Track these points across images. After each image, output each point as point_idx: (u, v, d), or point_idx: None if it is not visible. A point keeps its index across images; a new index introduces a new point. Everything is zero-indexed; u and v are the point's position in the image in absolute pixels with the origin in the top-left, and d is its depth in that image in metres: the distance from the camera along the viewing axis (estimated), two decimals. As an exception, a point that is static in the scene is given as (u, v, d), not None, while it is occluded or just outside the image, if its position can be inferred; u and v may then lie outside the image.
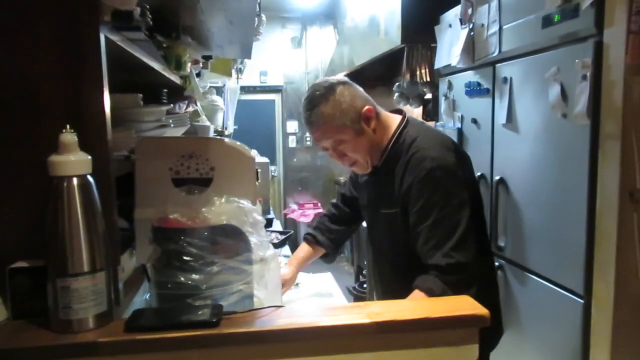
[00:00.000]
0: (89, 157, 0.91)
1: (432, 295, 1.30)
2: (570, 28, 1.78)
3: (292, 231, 3.26)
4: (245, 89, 5.88)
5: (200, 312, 0.97)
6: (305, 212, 6.24)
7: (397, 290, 1.42)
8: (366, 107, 1.48)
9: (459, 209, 1.37)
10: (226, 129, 3.61)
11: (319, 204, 6.46)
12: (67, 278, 0.89)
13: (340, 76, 1.57)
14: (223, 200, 1.09)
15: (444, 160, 1.39)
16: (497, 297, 1.66)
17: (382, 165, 1.52)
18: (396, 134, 1.50)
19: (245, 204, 1.11)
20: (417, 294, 1.33)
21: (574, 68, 1.75)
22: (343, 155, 1.54)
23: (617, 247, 1.62)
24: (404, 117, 1.56)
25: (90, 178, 0.91)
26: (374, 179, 1.58)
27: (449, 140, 1.50)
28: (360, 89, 1.54)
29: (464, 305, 1.06)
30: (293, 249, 3.05)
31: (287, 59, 6.47)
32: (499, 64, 2.30)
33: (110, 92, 1.01)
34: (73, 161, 0.88)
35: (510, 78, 2.19)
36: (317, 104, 1.47)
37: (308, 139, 6.54)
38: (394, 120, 1.55)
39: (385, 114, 1.56)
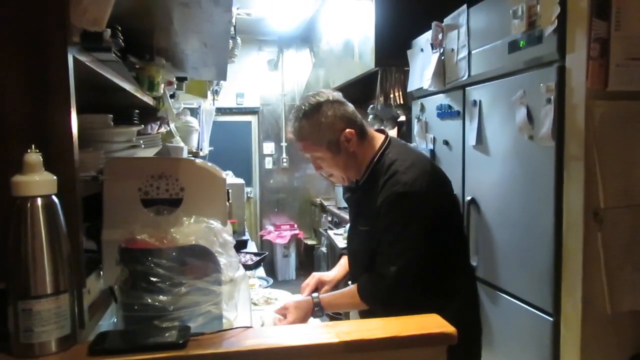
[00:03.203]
0: (54, 177, 0.90)
1: (363, 300, 1.51)
2: (535, 53, 1.85)
3: (267, 252, 3.24)
4: (221, 111, 5.89)
5: (167, 334, 0.95)
6: (282, 234, 6.21)
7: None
8: (347, 130, 1.53)
9: (416, 235, 1.45)
10: (201, 150, 3.60)
11: (296, 226, 6.44)
12: (29, 300, 0.87)
13: (337, 92, 1.62)
14: (192, 220, 1.09)
15: (414, 186, 1.44)
16: (479, 315, 1.70)
17: (363, 184, 1.59)
18: (377, 155, 1.56)
19: (215, 224, 1.11)
20: (351, 293, 1.55)
21: (539, 92, 1.81)
22: (320, 168, 1.63)
23: (583, 265, 1.66)
24: (386, 138, 1.61)
25: (55, 198, 0.90)
26: (355, 196, 1.66)
27: (428, 165, 1.55)
28: (349, 107, 1.58)
29: (432, 323, 1.07)
30: (268, 270, 3.04)
31: (263, 81, 6.51)
32: (468, 87, 2.36)
33: (80, 112, 1.01)
34: (37, 181, 0.87)
35: (480, 101, 2.25)
36: (300, 119, 1.55)
37: (284, 160, 6.56)
38: (378, 140, 1.60)
39: (371, 133, 1.62)
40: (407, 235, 1.45)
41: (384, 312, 1.46)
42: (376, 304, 1.51)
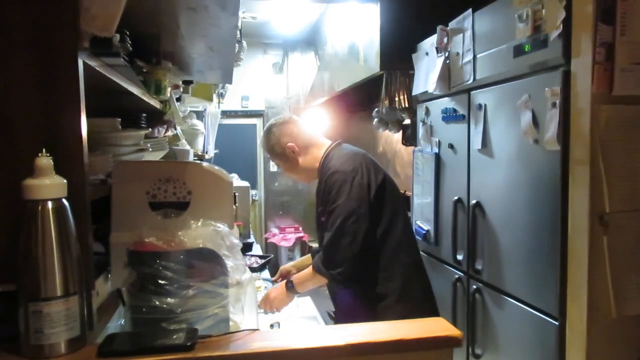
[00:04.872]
0: (64, 180, 0.91)
1: (312, 268, 1.86)
2: (540, 58, 1.85)
3: (272, 255, 3.25)
4: (226, 114, 5.91)
5: (174, 336, 0.96)
6: (287, 237, 6.22)
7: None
8: (289, 144, 2.03)
9: (345, 202, 1.78)
10: (207, 153, 3.61)
11: (300, 228, 6.45)
12: (39, 302, 0.88)
13: (291, 116, 2.18)
14: (199, 223, 1.10)
15: (341, 168, 1.86)
16: (427, 289, 2.05)
17: (318, 182, 2.01)
18: (323, 157, 2.02)
19: (222, 227, 1.12)
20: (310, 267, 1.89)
21: (544, 96, 1.81)
22: (285, 172, 2.17)
23: (589, 270, 1.65)
24: (332, 144, 2.06)
25: (65, 202, 0.91)
26: (316, 191, 2.04)
27: (358, 157, 1.94)
28: (296, 128, 2.08)
29: (438, 327, 1.08)
30: (273, 273, 3.05)
31: (268, 84, 6.53)
32: (473, 91, 2.36)
33: (89, 116, 1.02)
34: (48, 185, 0.88)
35: (485, 105, 2.25)
36: (262, 138, 2.14)
37: (289, 163, 6.56)
38: (325, 147, 2.05)
39: (320, 143, 2.08)
40: (337, 205, 1.79)
41: (330, 278, 1.81)
42: (319, 271, 1.81)
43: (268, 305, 2.01)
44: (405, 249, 1.93)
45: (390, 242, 1.88)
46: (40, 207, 0.88)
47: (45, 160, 0.89)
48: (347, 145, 2.08)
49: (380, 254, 1.86)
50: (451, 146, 2.60)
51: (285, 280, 1.99)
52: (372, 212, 1.81)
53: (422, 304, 1.97)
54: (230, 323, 1.10)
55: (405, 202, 2.06)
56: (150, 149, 1.58)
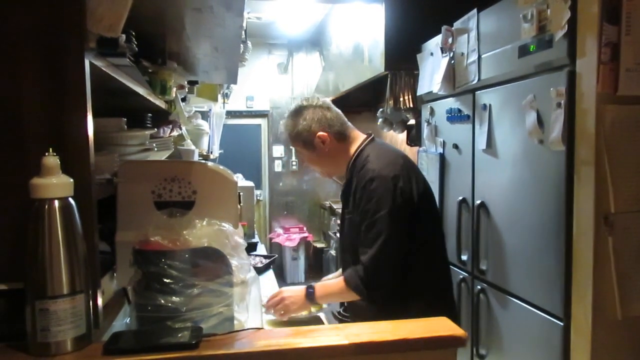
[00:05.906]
0: (71, 180, 0.92)
1: (347, 285, 1.63)
2: (545, 58, 1.85)
3: (276, 255, 3.26)
4: (231, 114, 5.92)
5: (179, 335, 0.97)
6: (291, 237, 6.23)
7: None
8: (320, 133, 1.76)
9: (387, 216, 1.58)
10: (211, 153, 3.62)
11: (305, 229, 6.45)
12: (46, 300, 0.89)
13: (325, 99, 1.86)
14: (204, 222, 1.11)
15: (381, 172, 1.62)
16: (454, 309, 1.83)
17: (347, 178, 1.80)
18: (356, 153, 1.78)
19: (227, 226, 1.13)
20: (340, 281, 1.67)
21: (549, 96, 1.81)
22: (303, 160, 1.90)
23: (594, 270, 1.65)
24: (366, 138, 1.81)
25: (71, 201, 0.92)
26: (344, 189, 1.84)
27: (399, 159, 1.71)
28: (331, 113, 1.80)
29: (442, 326, 1.08)
30: (277, 273, 3.06)
31: (273, 84, 6.54)
32: (478, 92, 2.36)
33: (95, 116, 1.03)
34: (55, 184, 0.89)
35: (490, 105, 2.25)
36: (286, 118, 1.85)
37: (294, 163, 6.58)
38: (358, 141, 1.81)
39: (353, 136, 1.82)
40: (378, 219, 1.58)
41: (368, 299, 1.63)
42: (358, 291, 1.61)
43: (280, 309, 1.74)
44: (437, 266, 1.76)
45: (424, 258, 1.69)
46: (47, 206, 0.89)
47: (52, 160, 0.89)
48: (382, 142, 1.86)
49: (412, 269, 1.66)
50: (456, 146, 2.60)
51: (305, 286, 1.74)
52: (410, 223, 1.63)
53: None
54: (235, 322, 1.10)
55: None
56: (156, 149, 1.58)
